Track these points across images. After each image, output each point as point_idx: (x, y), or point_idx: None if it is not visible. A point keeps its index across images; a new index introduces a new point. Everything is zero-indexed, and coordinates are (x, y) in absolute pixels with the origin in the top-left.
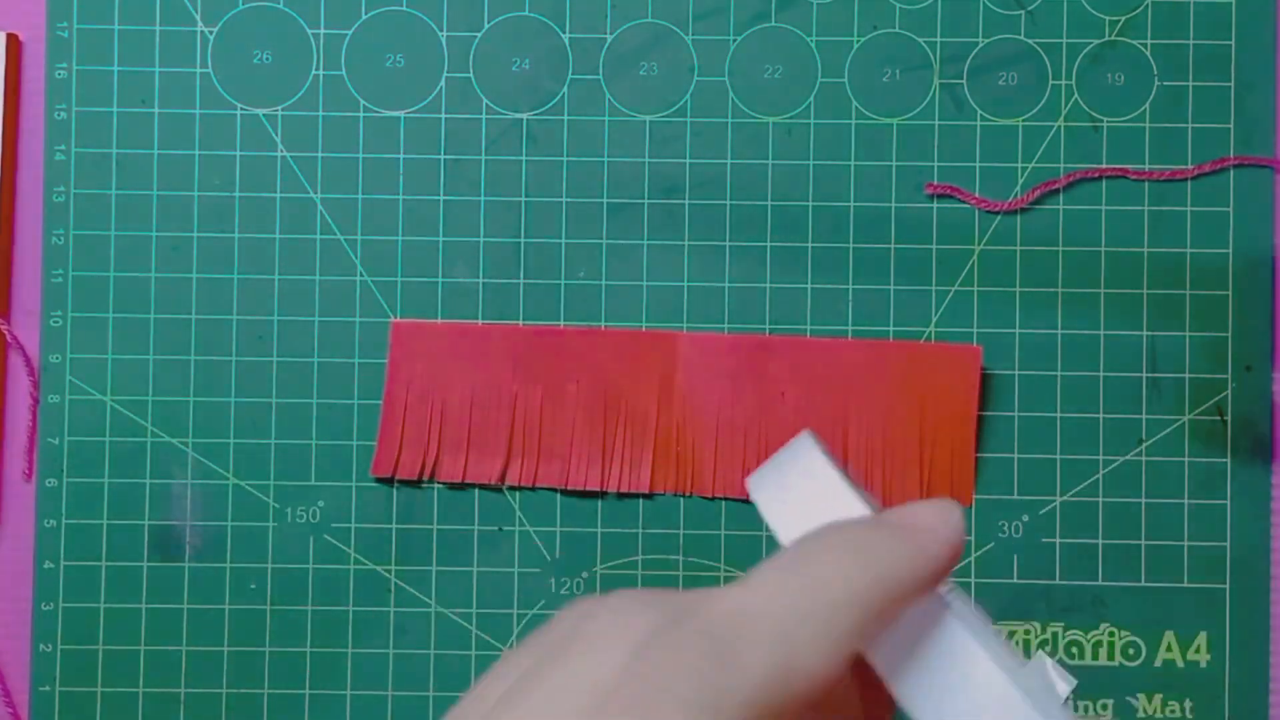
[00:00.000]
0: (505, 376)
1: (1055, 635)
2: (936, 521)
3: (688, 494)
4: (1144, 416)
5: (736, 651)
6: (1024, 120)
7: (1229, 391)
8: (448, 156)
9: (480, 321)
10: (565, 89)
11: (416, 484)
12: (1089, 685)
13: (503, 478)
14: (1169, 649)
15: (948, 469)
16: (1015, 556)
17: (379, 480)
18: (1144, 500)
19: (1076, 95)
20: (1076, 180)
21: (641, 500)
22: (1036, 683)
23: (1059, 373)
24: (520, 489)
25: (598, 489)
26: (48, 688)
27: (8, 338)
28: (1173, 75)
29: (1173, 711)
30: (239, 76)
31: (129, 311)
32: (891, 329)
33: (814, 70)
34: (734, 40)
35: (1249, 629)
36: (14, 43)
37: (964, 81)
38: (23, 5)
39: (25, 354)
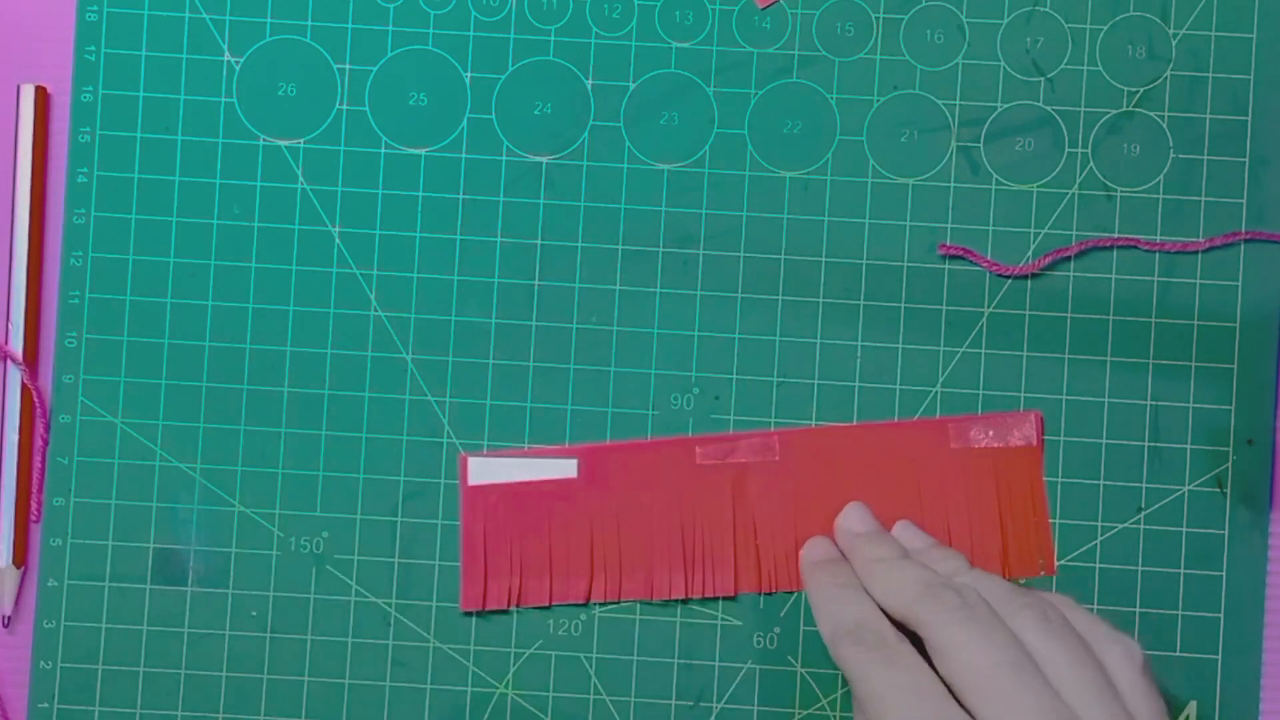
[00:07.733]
0: (578, 494)
1: None
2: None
3: (771, 593)
4: (1144, 485)
5: None
6: (1039, 186)
7: (1230, 464)
8: (466, 196)
9: (540, 459)
10: (586, 134)
11: (420, 518)
12: None
13: (588, 596)
14: None
15: (1026, 535)
16: None
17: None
18: (1140, 568)
19: (1092, 164)
20: (1088, 248)
21: None
22: None
23: (1061, 438)
24: None
25: (682, 597)
26: (46, 704)
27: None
28: (1188, 148)
29: None
30: (263, 108)
31: (143, 335)
32: (899, 387)
33: (833, 127)
34: (755, 94)
35: (1239, 701)
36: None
37: (981, 145)
38: (48, 32)
39: (38, 372)
